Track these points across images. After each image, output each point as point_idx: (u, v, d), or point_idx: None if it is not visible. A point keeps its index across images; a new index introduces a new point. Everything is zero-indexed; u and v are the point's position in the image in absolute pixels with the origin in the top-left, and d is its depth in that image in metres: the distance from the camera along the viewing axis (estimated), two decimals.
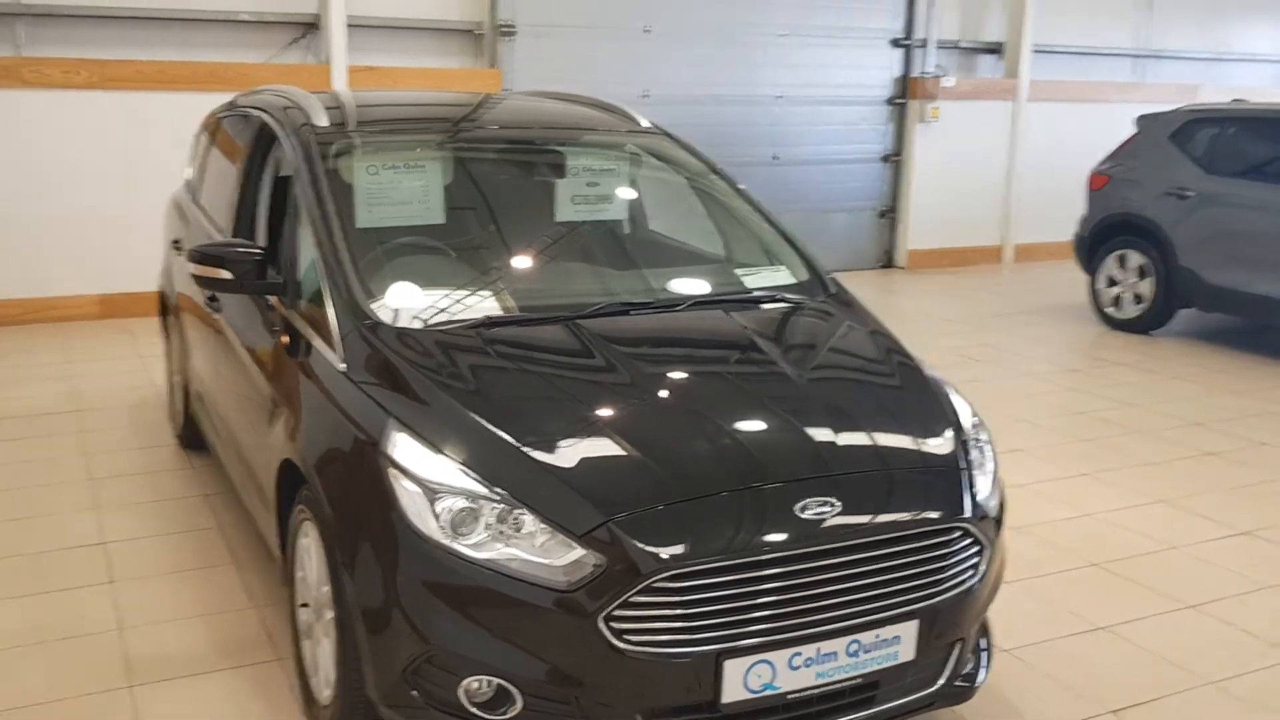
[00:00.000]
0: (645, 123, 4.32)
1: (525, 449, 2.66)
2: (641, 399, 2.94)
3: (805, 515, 2.62)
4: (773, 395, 3.05)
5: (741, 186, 4.10)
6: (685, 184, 4.21)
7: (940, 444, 3.00)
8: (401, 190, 3.67)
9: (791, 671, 2.59)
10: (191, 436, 5.06)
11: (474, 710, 2.56)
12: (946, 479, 2.89)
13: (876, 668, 2.69)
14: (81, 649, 3.47)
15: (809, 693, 2.63)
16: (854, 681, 2.67)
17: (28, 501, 4.63)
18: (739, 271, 3.80)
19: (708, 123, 9.83)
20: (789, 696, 2.60)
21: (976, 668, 3.04)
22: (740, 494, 2.65)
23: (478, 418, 2.75)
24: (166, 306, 5.46)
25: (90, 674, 3.33)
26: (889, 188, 11.03)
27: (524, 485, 2.59)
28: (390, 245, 3.52)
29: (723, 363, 3.26)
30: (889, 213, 11.06)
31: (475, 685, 2.55)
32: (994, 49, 11.31)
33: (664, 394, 2.98)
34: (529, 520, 2.54)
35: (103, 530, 4.33)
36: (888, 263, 11.13)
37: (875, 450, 2.93)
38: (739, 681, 2.53)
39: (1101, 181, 8.60)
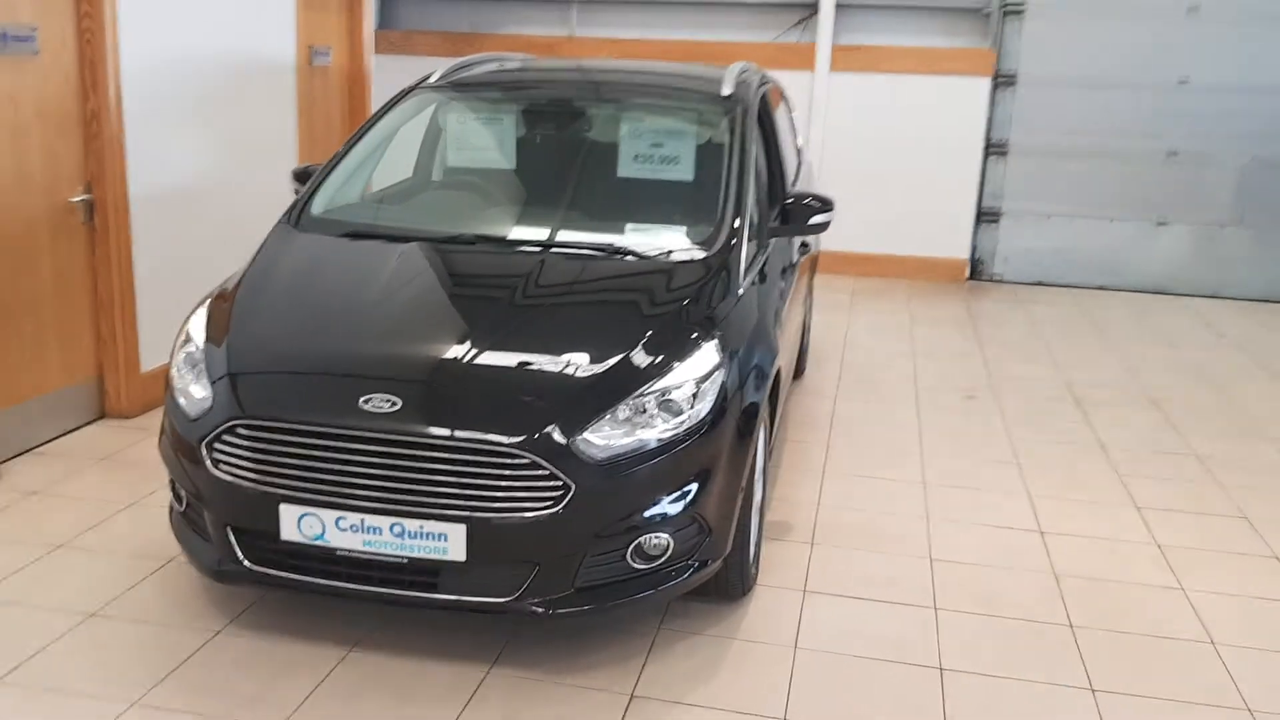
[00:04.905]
0: (728, 91, 4.54)
1: (241, 319, 3.46)
2: (371, 306, 3.49)
3: (365, 407, 3.06)
4: (460, 321, 3.43)
5: (758, 165, 4.22)
6: (723, 151, 4.35)
7: (572, 386, 3.16)
8: (460, 137, 4.54)
9: (340, 531, 3.07)
10: None
11: (175, 504, 3.49)
12: (537, 413, 3.06)
13: (424, 555, 3.04)
14: None
15: (360, 556, 3.08)
16: (401, 560, 3.06)
17: None
18: (636, 228, 4.00)
19: (1261, 115, 8.50)
20: (338, 552, 3.09)
21: (564, 601, 3.10)
22: (327, 378, 3.21)
23: (246, 293, 3.60)
24: None
25: None
26: None
27: (217, 344, 3.39)
28: (394, 177, 4.43)
29: (475, 295, 3.69)
30: None
31: (174, 483, 3.47)
32: None
33: (391, 304, 3.51)
34: (201, 368, 3.36)
35: None
36: None
37: (481, 371, 3.20)
38: (293, 525, 3.10)
39: None
